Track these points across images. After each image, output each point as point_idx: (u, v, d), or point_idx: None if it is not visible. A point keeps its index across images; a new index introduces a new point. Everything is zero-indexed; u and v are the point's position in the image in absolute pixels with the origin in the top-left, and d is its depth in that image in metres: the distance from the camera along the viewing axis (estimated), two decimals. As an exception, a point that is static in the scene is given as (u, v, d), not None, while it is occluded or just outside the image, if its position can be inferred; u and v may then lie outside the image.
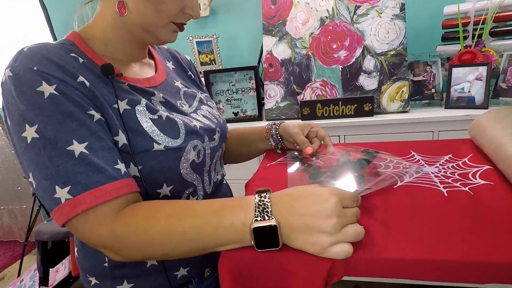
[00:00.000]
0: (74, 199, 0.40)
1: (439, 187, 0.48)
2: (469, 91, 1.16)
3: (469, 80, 1.16)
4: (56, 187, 0.40)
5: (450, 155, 0.60)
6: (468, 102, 1.16)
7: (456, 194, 0.45)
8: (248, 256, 0.38)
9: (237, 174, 1.17)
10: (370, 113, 1.21)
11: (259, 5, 1.41)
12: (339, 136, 1.23)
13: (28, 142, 0.41)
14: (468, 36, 1.24)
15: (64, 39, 0.51)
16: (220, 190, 0.64)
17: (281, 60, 1.33)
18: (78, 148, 0.41)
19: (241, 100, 1.40)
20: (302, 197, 0.38)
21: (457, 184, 0.48)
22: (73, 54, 0.47)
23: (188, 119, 0.56)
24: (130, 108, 0.49)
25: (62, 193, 0.40)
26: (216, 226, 0.38)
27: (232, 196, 0.70)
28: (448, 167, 0.55)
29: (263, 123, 1.33)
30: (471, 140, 0.66)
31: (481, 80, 1.14)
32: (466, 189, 0.47)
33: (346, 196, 0.37)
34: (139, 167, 0.48)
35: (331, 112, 1.24)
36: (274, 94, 1.34)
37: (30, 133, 0.41)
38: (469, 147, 0.63)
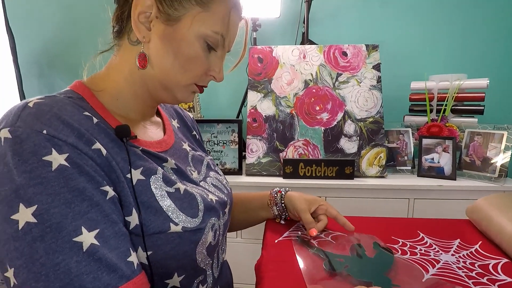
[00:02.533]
0: None
1: (469, 283, 0.46)
2: (438, 162, 1.25)
3: (437, 152, 1.26)
4: None
5: (459, 240, 0.60)
6: (438, 172, 1.25)
7: (490, 294, 0.44)
8: None
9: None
10: (351, 176, 1.23)
11: (245, 60, 1.44)
12: (320, 197, 1.21)
13: (19, 227, 0.31)
14: (433, 110, 1.37)
15: (70, 91, 0.43)
16: (223, 270, 0.56)
17: (265, 116, 1.33)
18: (87, 238, 0.32)
19: (221, 152, 1.34)
20: None
21: (485, 280, 0.47)
22: (86, 113, 0.40)
23: (203, 191, 0.50)
24: (144, 178, 0.41)
25: None
26: None
27: (232, 276, 0.61)
28: (464, 255, 0.55)
29: (243, 178, 1.29)
30: (469, 222, 0.67)
31: (448, 152, 1.24)
32: (496, 287, 0.46)
33: None
34: (149, 253, 0.39)
35: (313, 172, 1.24)
36: (256, 149, 1.31)
37: (24, 215, 0.31)
38: (473, 230, 0.64)
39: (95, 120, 0.40)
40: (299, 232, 0.63)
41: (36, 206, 0.31)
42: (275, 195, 0.67)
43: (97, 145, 0.37)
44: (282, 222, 0.68)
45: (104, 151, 0.38)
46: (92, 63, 0.49)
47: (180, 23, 0.42)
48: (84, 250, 0.32)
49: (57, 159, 0.33)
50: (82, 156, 0.35)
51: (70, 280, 0.31)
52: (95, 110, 0.42)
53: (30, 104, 0.36)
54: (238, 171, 1.32)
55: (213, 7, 0.43)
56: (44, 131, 0.34)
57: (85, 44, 1.66)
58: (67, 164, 0.34)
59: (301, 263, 0.52)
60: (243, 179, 1.26)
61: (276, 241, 0.60)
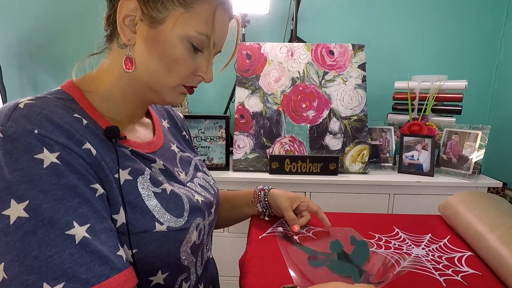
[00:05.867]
0: None
1: (435, 275, 0.51)
2: (418, 159, 1.31)
3: (417, 149, 1.31)
4: (44, 284, 0.31)
5: (430, 235, 0.65)
6: (417, 169, 1.30)
7: (453, 285, 0.48)
8: None
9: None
10: (335, 172, 1.27)
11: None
12: (305, 192, 1.25)
13: (11, 222, 0.32)
14: (414, 109, 1.42)
15: (60, 91, 0.44)
16: (208, 268, 0.58)
17: (252, 112, 1.35)
18: (79, 232, 0.34)
19: (209, 148, 1.36)
20: None
21: (449, 272, 0.51)
22: (76, 115, 0.41)
23: (189, 191, 0.51)
24: (131, 179, 0.43)
25: None
26: None
27: (217, 273, 0.64)
28: (433, 249, 0.59)
29: (230, 173, 1.32)
30: (441, 217, 0.72)
31: (427, 150, 1.30)
32: (459, 278, 0.50)
33: None
34: (134, 251, 0.41)
35: (298, 168, 1.27)
36: (243, 145, 1.33)
37: (16, 211, 0.32)
38: (443, 226, 0.69)
39: (84, 121, 0.41)
40: (282, 228, 0.67)
41: (28, 201, 0.32)
42: (259, 192, 0.70)
43: (87, 145, 0.39)
44: (266, 218, 0.71)
45: (94, 151, 0.39)
46: (81, 62, 0.49)
47: (163, 25, 0.43)
48: (76, 243, 0.33)
49: (48, 157, 0.34)
50: (73, 155, 0.36)
51: (64, 272, 0.32)
52: (85, 111, 0.43)
53: (21, 105, 0.37)
54: (225, 167, 1.35)
55: (196, 7, 0.43)
56: (36, 131, 0.35)
57: (69, 34, 1.62)
58: (58, 162, 0.35)
59: (285, 255, 0.55)
60: (230, 174, 1.28)
61: (260, 237, 0.63)
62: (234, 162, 1.32)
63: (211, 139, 1.36)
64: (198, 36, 0.44)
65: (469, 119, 1.46)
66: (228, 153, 1.36)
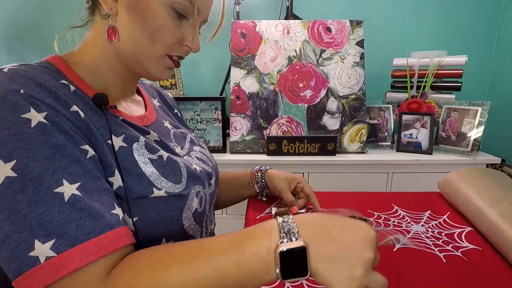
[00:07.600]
0: (59, 256, 0.31)
1: (435, 251, 0.50)
2: (416, 137, 1.30)
3: (416, 127, 1.30)
4: (36, 241, 0.31)
5: (430, 211, 0.64)
6: (416, 147, 1.29)
7: (452, 260, 0.48)
8: None
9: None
10: (333, 152, 1.25)
11: (227, 36, 1.40)
12: (303, 173, 1.25)
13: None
14: (413, 86, 1.40)
15: (45, 62, 0.43)
16: None
17: (248, 93, 1.32)
18: (68, 189, 0.33)
19: (205, 130, 1.34)
20: (335, 223, 0.33)
21: (449, 248, 0.51)
22: (63, 81, 0.40)
23: (187, 161, 0.51)
24: (126, 145, 0.42)
25: (42, 250, 0.31)
26: (238, 260, 0.32)
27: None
28: (433, 225, 0.58)
29: (227, 156, 1.30)
30: (441, 194, 0.71)
31: (426, 128, 1.28)
32: (459, 253, 0.49)
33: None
34: (135, 219, 0.40)
35: (296, 149, 1.26)
36: (240, 127, 1.31)
37: (4, 170, 0.32)
38: (442, 202, 0.68)
39: (72, 88, 0.40)
40: (281, 209, 0.66)
41: (15, 160, 0.32)
42: (256, 174, 0.69)
43: (75, 108, 0.38)
44: (264, 199, 0.70)
45: (82, 114, 0.38)
46: (67, 41, 0.47)
47: None
48: (65, 200, 0.33)
49: (36, 116, 0.34)
50: (60, 116, 0.36)
51: (54, 229, 0.31)
52: (71, 81, 0.42)
53: (5, 70, 0.37)
54: (222, 149, 1.33)
55: None
56: (21, 91, 0.34)
57: (58, 15, 1.56)
58: (46, 122, 0.34)
59: None
60: (227, 157, 1.27)
61: (258, 217, 0.62)
62: (231, 144, 1.31)
63: (207, 121, 1.34)
64: (181, 2, 0.42)
65: (468, 96, 1.44)
66: (225, 135, 1.34)
